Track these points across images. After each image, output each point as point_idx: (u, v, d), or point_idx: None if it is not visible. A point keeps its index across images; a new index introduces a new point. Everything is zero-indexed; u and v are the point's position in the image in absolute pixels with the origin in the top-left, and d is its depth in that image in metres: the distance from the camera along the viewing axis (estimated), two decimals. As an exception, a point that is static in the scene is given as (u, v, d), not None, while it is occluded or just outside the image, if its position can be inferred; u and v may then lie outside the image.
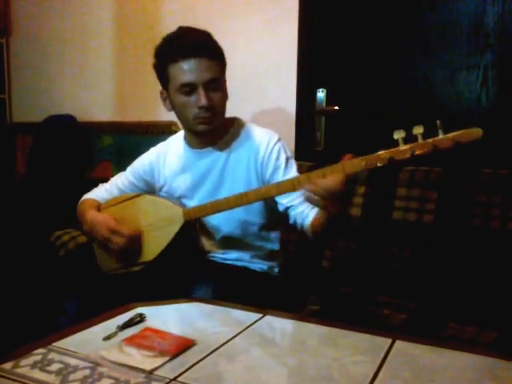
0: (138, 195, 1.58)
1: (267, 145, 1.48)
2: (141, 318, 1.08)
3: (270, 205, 1.51)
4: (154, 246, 1.48)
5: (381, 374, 0.86)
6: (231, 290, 1.38)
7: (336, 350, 0.96)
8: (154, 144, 1.69)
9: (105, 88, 2.75)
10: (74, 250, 1.85)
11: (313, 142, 2.16)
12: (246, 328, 1.05)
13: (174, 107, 1.48)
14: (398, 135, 1.07)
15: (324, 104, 2.13)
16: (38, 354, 0.93)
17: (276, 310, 1.16)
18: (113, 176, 1.73)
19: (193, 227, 1.59)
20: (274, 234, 1.58)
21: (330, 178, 1.12)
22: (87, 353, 0.92)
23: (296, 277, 1.77)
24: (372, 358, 0.92)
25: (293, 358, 0.95)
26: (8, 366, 0.89)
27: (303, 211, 1.39)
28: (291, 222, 1.45)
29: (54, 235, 1.91)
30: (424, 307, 1.60)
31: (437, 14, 1.91)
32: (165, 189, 1.62)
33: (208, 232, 1.58)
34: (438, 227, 1.68)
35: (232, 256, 1.57)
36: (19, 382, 0.84)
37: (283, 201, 1.44)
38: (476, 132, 1.03)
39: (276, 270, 1.60)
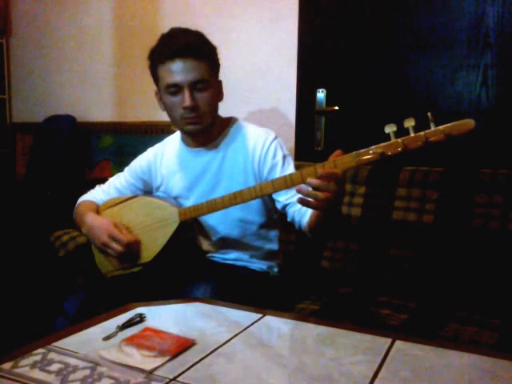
0: (134, 197, 1.58)
1: (264, 143, 1.48)
2: (141, 318, 1.08)
3: (269, 203, 1.51)
4: (151, 247, 1.48)
5: (381, 374, 0.86)
6: (231, 289, 1.38)
7: (336, 349, 0.96)
8: (153, 144, 1.69)
9: (105, 88, 2.75)
10: (73, 250, 1.85)
11: (313, 142, 2.16)
12: (246, 328, 1.05)
13: (165, 107, 1.49)
14: (390, 129, 1.05)
15: (324, 104, 2.13)
16: (37, 354, 0.93)
17: (275, 310, 1.16)
18: (113, 176, 1.73)
19: (190, 227, 1.59)
20: (273, 234, 1.58)
21: (323, 178, 1.11)
22: (87, 353, 0.92)
23: (295, 277, 1.77)
24: (372, 357, 0.92)
25: (292, 358, 0.95)
26: (7, 365, 0.88)
27: (301, 208, 1.38)
28: (289, 219, 1.45)
29: (53, 235, 1.91)
30: (424, 307, 1.60)
31: (437, 14, 1.91)
32: (162, 188, 1.62)
33: (206, 232, 1.58)
34: (437, 227, 1.68)
35: (231, 256, 1.57)
36: (19, 381, 0.84)
37: (281, 198, 1.44)
38: (468, 123, 1.00)
39: (275, 269, 1.60)
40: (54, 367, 0.88)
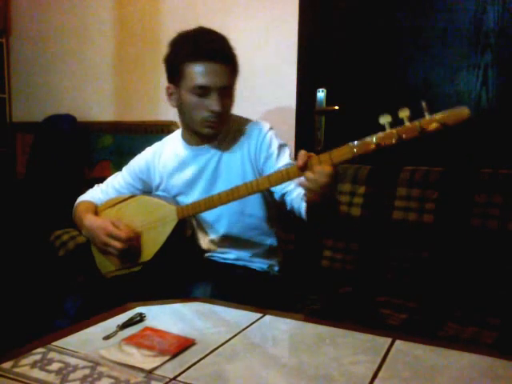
0: (132, 196, 1.58)
1: (259, 134, 1.50)
2: (141, 318, 1.08)
3: (267, 196, 1.52)
4: (150, 246, 1.48)
5: (380, 374, 0.86)
6: (231, 289, 1.38)
7: (336, 349, 0.96)
8: (153, 143, 1.69)
9: (105, 88, 2.75)
10: (73, 249, 1.85)
11: (313, 142, 2.16)
12: (246, 328, 1.05)
13: (181, 105, 1.47)
14: (384, 120, 1.05)
15: (324, 104, 2.13)
16: (37, 354, 0.93)
17: (275, 310, 1.16)
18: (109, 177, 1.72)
19: (189, 225, 1.59)
20: (273, 228, 1.58)
21: (318, 170, 1.14)
22: (87, 352, 0.92)
23: (296, 276, 1.77)
24: (372, 357, 0.92)
25: (292, 358, 0.95)
26: (8, 365, 0.88)
27: (299, 194, 1.40)
28: (288, 208, 1.46)
29: (53, 235, 1.91)
30: (424, 307, 1.60)
31: (437, 14, 1.91)
32: (161, 187, 1.62)
33: (206, 229, 1.59)
34: (437, 227, 1.68)
35: (231, 256, 1.57)
36: (19, 381, 0.84)
37: (277, 189, 1.44)
38: (462, 111, 0.99)
39: (276, 269, 1.60)
40: (54, 367, 0.88)
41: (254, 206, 1.52)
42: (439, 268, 1.66)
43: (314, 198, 1.23)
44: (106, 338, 0.99)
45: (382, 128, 1.07)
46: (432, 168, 1.76)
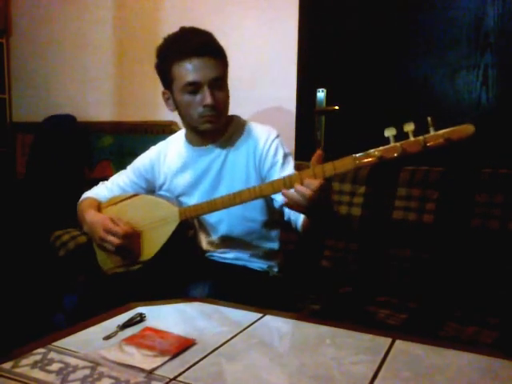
0: (135, 195, 1.58)
1: (265, 141, 1.49)
2: (141, 318, 1.08)
3: (270, 202, 1.52)
4: (151, 245, 1.49)
5: (381, 374, 0.86)
6: (230, 289, 1.38)
7: (336, 349, 0.96)
8: (154, 144, 1.69)
9: (105, 88, 2.75)
10: (73, 249, 1.85)
11: (313, 142, 2.16)
12: (246, 328, 1.05)
13: (177, 107, 1.49)
14: (389, 133, 1.05)
15: (324, 104, 2.13)
16: (37, 354, 0.93)
17: (275, 310, 1.16)
18: (113, 175, 1.73)
19: (191, 226, 1.59)
20: (274, 233, 1.58)
21: (306, 182, 1.11)
22: (87, 352, 0.92)
23: (296, 276, 1.77)
24: (372, 357, 0.92)
25: (293, 358, 0.95)
26: (8, 365, 0.89)
27: None
28: (286, 218, 1.46)
29: (53, 235, 1.91)
30: (424, 307, 1.60)
31: (437, 14, 1.91)
32: (165, 187, 1.62)
33: (208, 230, 1.59)
34: (438, 227, 1.68)
35: (231, 255, 1.57)
36: (19, 381, 0.84)
37: (278, 198, 1.44)
38: (467, 129, 1.00)
39: (275, 269, 1.60)
40: (55, 367, 0.88)
41: (255, 210, 1.52)
42: (439, 268, 1.66)
43: (301, 211, 1.20)
44: (106, 338, 0.99)
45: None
46: (432, 168, 1.76)
